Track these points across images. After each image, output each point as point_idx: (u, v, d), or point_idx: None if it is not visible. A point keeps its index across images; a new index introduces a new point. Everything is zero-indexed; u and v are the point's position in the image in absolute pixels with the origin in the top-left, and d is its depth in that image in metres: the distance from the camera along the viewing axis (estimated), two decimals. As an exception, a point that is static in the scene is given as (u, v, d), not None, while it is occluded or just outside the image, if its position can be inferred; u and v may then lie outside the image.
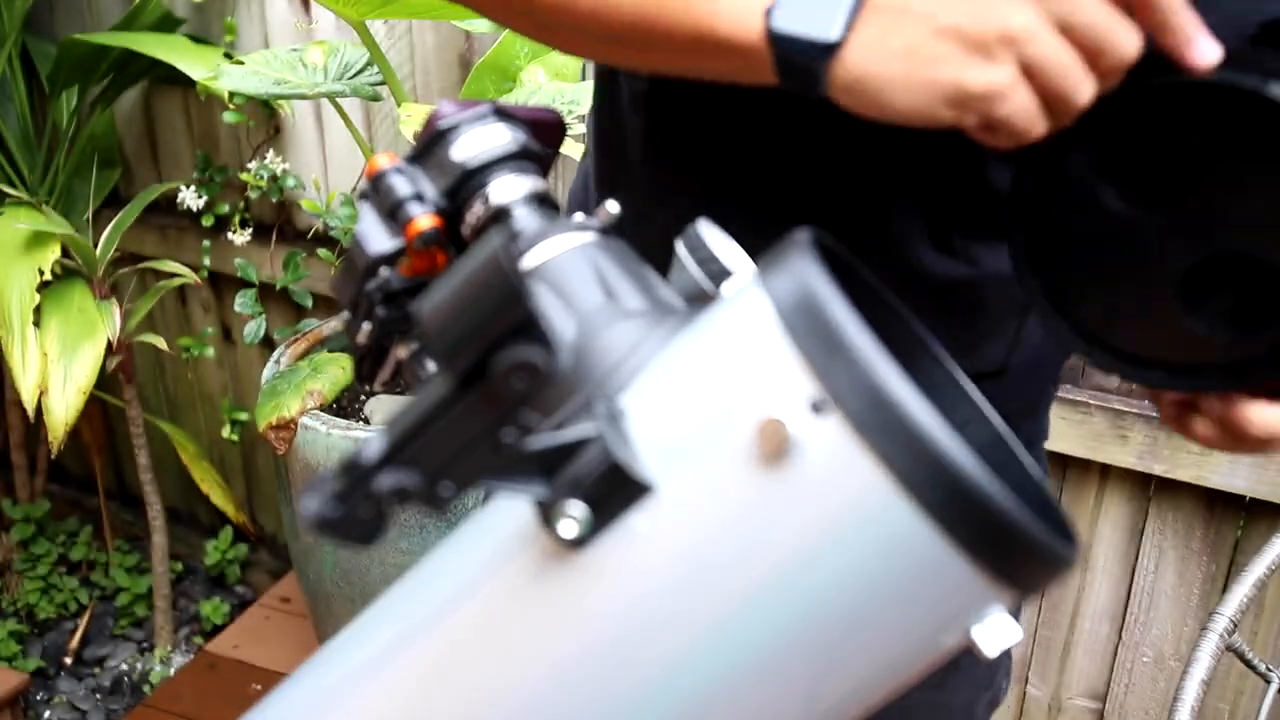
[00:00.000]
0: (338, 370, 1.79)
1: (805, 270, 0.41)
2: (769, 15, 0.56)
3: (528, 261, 0.53)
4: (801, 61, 0.55)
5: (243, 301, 2.10)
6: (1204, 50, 0.54)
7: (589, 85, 1.44)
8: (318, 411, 1.75)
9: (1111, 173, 0.57)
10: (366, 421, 1.86)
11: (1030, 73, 0.53)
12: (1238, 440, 0.61)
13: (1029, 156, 0.57)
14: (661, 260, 0.54)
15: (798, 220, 0.51)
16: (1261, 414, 0.59)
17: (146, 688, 2.22)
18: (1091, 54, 0.53)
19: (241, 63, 1.76)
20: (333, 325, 2.01)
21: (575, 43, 0.70)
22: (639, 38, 0.62)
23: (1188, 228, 0.57)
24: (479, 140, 0.56)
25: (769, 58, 0.56)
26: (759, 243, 0.49)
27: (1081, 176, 0.57)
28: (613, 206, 0.57)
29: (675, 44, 0.61)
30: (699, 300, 0.52)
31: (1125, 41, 0.53)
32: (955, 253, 0.76)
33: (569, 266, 0.52)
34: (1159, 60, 0.54)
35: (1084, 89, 0.53)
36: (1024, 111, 0.53)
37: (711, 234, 0.53)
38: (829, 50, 0.54)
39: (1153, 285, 0.58)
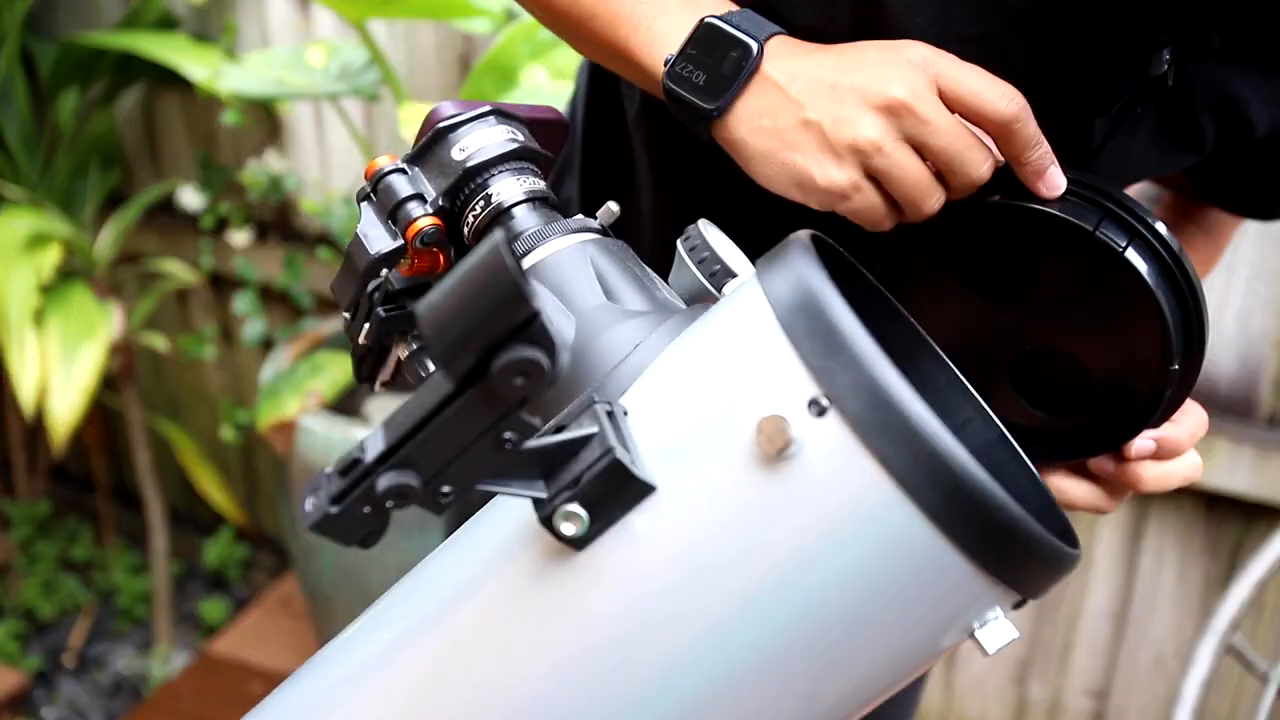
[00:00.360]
0: (338, 370, 1.79)
1: (805, 270, 0.41)
2: (667, 65, 0.61)
3: (528, 261, 0.53)
4: (689, 116, 0.61)
5: (243, 302, 2.10)
6: (1051, 183, 0.59)
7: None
8: (318, 411, 1.75)
9: (963, 261, 0.63)
10: (366, 421, 1.86)
11: (877, 179, 0.57)
12: None
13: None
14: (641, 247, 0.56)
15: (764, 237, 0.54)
16: (1058, 484, 0.67)
17: (146, 688, 2.22)
18: (943, 171, 0.57)
19: (241, 63, 1.76)
20: (333, 325, 2.01)
21: (545, 22, 0.76)
22: (579, 33, 0.68)
23: (1021, 322, 0.64)
24: (479, 140, 0.56)
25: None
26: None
27: (937, 258, 0.64)
28: (613, 206, 0.57)
29: (603, 50, 0.66)
30: (699, 300, 0.52)
31: (976, 166, 0.57)
32: None
33: (569, 266, 0.52)
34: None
35: (931, 200, 0.58)
36: (869, 210, 0.58)
37: (712, 234, 0.53)
38: (713, 113, 0.60)
39: (988, 359, 0.65)
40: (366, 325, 0.56)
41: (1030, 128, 0.57)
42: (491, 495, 0.46)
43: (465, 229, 0.56)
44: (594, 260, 0.53)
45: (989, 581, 0.39)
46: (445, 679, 0.47)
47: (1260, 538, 1.59)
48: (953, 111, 0.57)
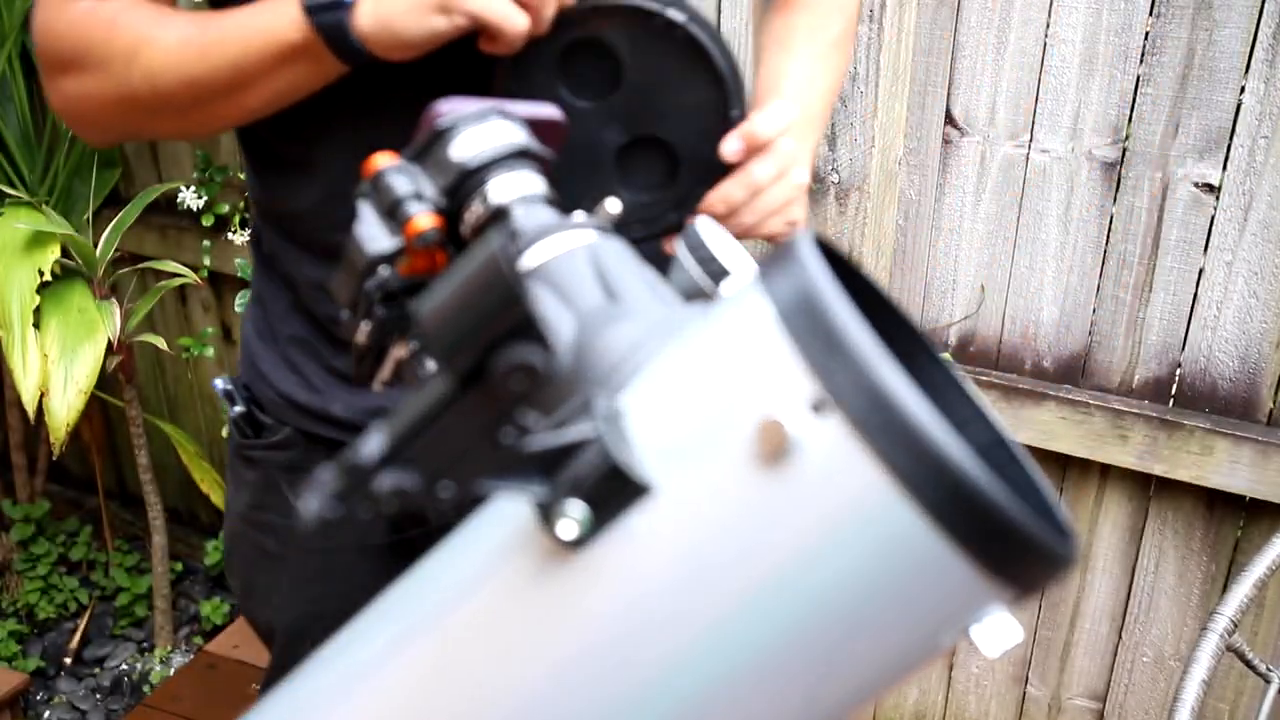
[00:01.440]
0: (338, 370, 1.79)
1: (807, 270, 0.41)
2: (304, 5, 0.71)
3: (527, 261, 0.53)
4: (333, 25, 0.70)
5: (243, 301, 2.10)
6: None
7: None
8: (318, 411, 1.74)
9: (568, 71, 0.75)
10: (366, 421, 1.86)
11: None
12: None
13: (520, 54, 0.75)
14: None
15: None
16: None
17: (146, 688, 2.22)
18: None
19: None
20: (333, 325, 2.01)
21: (202, 118, 0.83)
22: (241, 79, 0.76)
23: (617, 117, 0.76)
24: (478, 139, 0.56)
25: (316, 38, 0.71)
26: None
27: (546, 73, 0.75)
28: (613, 206, 0.57)
29: (268, 67, 0.75)
30: (699, 300, 0.52)
31: None
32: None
33: (568, 266, 0.52)
34: None
35: None
36: (496, 6, 0.68)
37: (711, 234, 0.53)
38: (344, 7, 0.70)
39: (597, 163, 0.77)
40: (365, 324, 0.56)
41: None
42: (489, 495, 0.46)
43: (464, 228, 0.56)
44: (594, 259, 0.53)
45: (989, 581, 0.39)
46: (445, 679, 0.47)
47: (1260, 538, 1.59)
48: None
